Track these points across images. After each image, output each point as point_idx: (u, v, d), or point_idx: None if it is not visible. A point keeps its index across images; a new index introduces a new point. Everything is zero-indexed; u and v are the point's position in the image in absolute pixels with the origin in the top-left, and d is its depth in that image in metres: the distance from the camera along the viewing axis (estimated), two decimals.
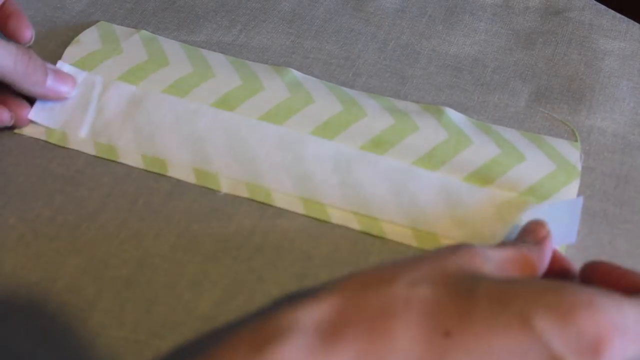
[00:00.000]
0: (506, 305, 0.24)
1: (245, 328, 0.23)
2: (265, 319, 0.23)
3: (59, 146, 0.43)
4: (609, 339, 0.23)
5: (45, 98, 0.44)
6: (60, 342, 0.35)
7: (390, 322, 0.23)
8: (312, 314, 0.23)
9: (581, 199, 0.38)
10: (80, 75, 0.46)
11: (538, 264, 0.32)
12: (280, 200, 0.41)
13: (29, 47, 0.47)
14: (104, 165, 0.42)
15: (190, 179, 0.42)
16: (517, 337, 0.23)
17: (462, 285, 0.25)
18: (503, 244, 0.32)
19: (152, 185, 0.41)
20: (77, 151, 0.43)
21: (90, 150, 0.43)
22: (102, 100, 0.45)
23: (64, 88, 0.44)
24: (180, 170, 0.42)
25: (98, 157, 0.43)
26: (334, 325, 0.23)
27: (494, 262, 0.28)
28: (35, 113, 0.44)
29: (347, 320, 0.23)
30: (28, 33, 0.47)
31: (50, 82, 0.43)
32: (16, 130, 0.44)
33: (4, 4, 0.47)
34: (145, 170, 0.42)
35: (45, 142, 0.43)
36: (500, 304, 0.24)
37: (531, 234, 0.34)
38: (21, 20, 0.46)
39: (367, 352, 0.23)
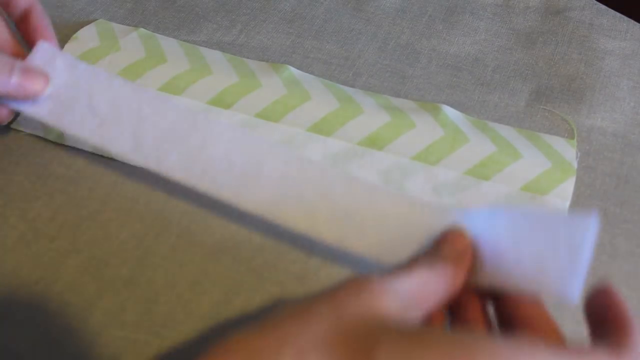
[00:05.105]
0: None
1: None
2: None
3: (58, 144, 0.43)
4: None
5: (11, 98, 0.39)
6: (60, 342, 0.35)
7: None
8: None
9: (595, 220, 0.26)
10: (61, 60, 0.43)
11: (450, 287, 0.27)
12: None
13: None
14: (104, 165, 0.42)
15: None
16: None
17: (360, 349, 0.22)
18: (415, 261, 0.28)
19: (152, 185, 0.41)
20: (77, 151, 0.43)
21: (86, 144, 0.43)
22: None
23: (32, 87, 0.39)
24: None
25: (96, 154, 0.43)
26: None
27: (401, 298, 0.25)
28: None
29: None
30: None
31: (16, 81, 0.38)
32: (13, 125, 0.44)
33: (29, 16, 0.43)
34: (145, 170, 0.42)
35: (45, 141, 0.43)
36: None
37: (448, 245, 0.29)
38: (46, 36, 0.43)
39: None
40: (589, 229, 0.26)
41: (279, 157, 0.38)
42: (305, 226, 0.36)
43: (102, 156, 0.43)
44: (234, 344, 0.22)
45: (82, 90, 0.41)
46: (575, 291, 0.26)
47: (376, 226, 0.35)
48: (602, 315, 0.25)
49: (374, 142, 0.43)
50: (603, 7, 0.54)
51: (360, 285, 0.24)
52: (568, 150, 0.43)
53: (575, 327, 0.36)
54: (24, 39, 0.43)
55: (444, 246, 0.29)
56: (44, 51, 0.42)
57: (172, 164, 0.38)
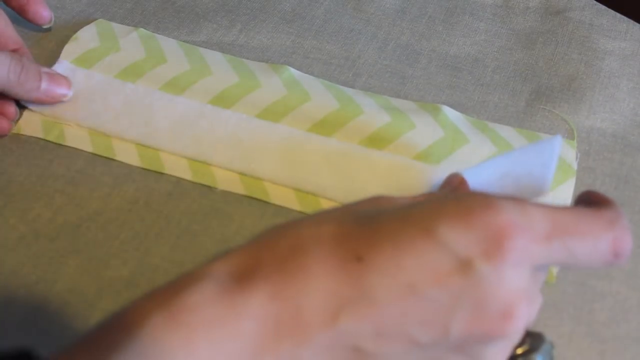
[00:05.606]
0: (410, 223, 0.24)
1: (166, 283, 0.24)
2: (183, 273, 0.24)
3: (58, 145, 0.43)
4: (508, 234, 0.23)
5: (41, 102, 0.44)
6: (60, 342, 0.35)
7: (302, 258, 0.24)
8: (226, 262, 0.24)
9: (559, 138, 0.33)
10: (80, 73, 0.46)
11: None
12: (276, 196, 0.41)
13: (48, 29, 0.50)
14: (104, 165, 0.42)
15: (187, 174, 0.42)
16: (424, 250, 0.24)
17: (368, 216, 0.26)
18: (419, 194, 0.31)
19: (152, 185, 0.41)
20: (77, 151, 0.43)
21: (86, 144, 0.43)
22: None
23: (59, 91, 0.44)
24: (176, 165, 0.42)
25: (96, 155, 0.43)
26: (247, 268, 0.24)
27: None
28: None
29: (260, 262, 0.24)
30: (46, 15, 0.48)
31: (45, 87, 0.43)
32: (14, 130, 0.44)
33: None
34: (145, 170, 0.42)
35: (45, 142, 0.43)
36: (405, 222, 0.24)
37: (446, 185, 0.34)
38: (39, 3, 0.48)
39: (282, 288, 0.23)
40: (556, 145, 0.32)
41: (283, 132, 0.43)
42: (311, 186, 0.41)
43: (102, 156, 0.43)
44: (265, 231, 0.26)
45: (97, 93, 0.45)
46: (547, 187, 0.32)
47: (376, 185, 0.40)
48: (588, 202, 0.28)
49: (374, 143, 0.42)
50: (603, 7, 0.54)
51: (371, 196, 0.28)
52: (568, 152, 0.43)
53: (575, 326, 0.36)
54: (14, 7, 0.48)
55: (442, 185, 0.35)
56: (63, 68, 0.47)
57: (185, 144, 0.43)
